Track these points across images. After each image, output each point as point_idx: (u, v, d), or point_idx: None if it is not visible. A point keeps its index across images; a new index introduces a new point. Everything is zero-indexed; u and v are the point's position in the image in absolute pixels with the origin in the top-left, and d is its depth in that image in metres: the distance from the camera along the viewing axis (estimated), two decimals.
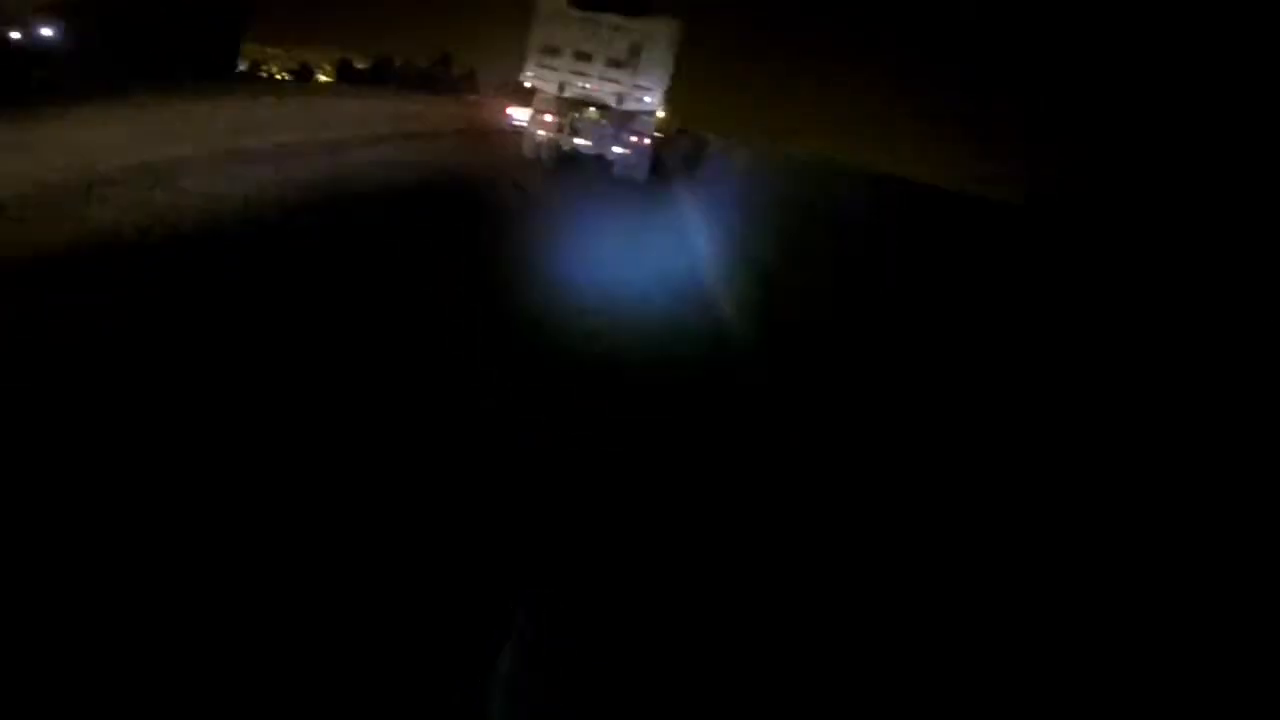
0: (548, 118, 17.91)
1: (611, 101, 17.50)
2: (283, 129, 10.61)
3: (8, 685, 1.75)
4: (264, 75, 37.45)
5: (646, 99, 17.41)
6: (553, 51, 17.49)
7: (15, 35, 16.23)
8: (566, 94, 17.66)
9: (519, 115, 18.76)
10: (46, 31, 17.05)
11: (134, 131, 6.98)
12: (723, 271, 7.71)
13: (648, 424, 3.90)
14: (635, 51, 17.21)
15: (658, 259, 8.37)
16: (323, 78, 43.28)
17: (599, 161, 18.32)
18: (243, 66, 33.15)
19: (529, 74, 17.76)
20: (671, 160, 21.12)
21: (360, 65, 44.60)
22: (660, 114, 17.98)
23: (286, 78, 38.91)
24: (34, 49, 16.01)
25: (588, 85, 17.53)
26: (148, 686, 1.85)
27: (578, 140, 18.10)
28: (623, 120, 17.70)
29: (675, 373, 4.85)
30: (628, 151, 17.85)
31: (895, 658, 2.03)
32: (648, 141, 17.87)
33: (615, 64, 17.34)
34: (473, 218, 9.34)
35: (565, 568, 2.53)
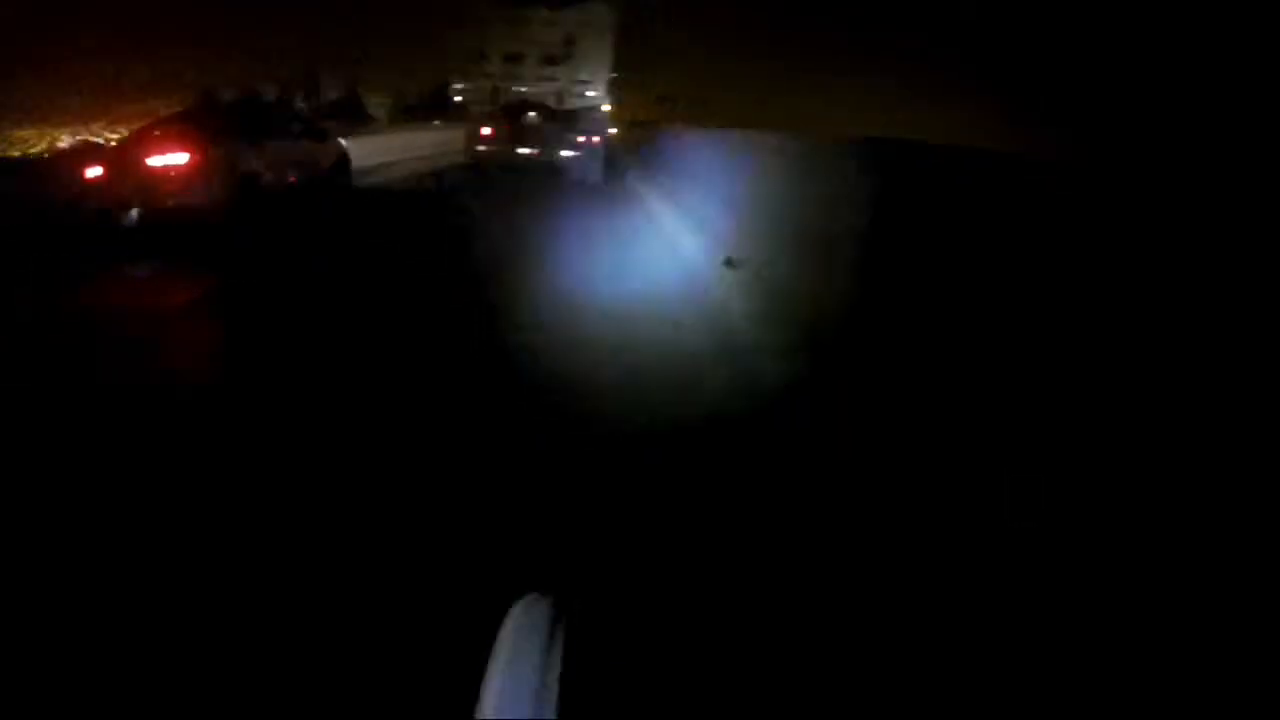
0: (485, 130, 16.36)
1: (552, 101, 16.01)
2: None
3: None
4: None
5: (589, 94, 15.95)
6: (481, 57, 16.03)
7: None
8: (503, 101, 16.17)
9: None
10: None
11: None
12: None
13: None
14: (570, 41, 15.78)
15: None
16: None
17: (549, 168, 16.78)
18: None
19: (457, 86, 16.27)
20: (627, 157, 19.59)
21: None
22: (607, 108, 16.50)
23: None
24: None
25: (524, 88, 16.06)
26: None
27: (521, 149, 16.55)
28: (567, 120, 16.20)
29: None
30: (578, 154, 16.31)
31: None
32: (598, 140, 16.35)
33: (550, 60, 15.90)
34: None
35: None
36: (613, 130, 16.77)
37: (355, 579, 2.29)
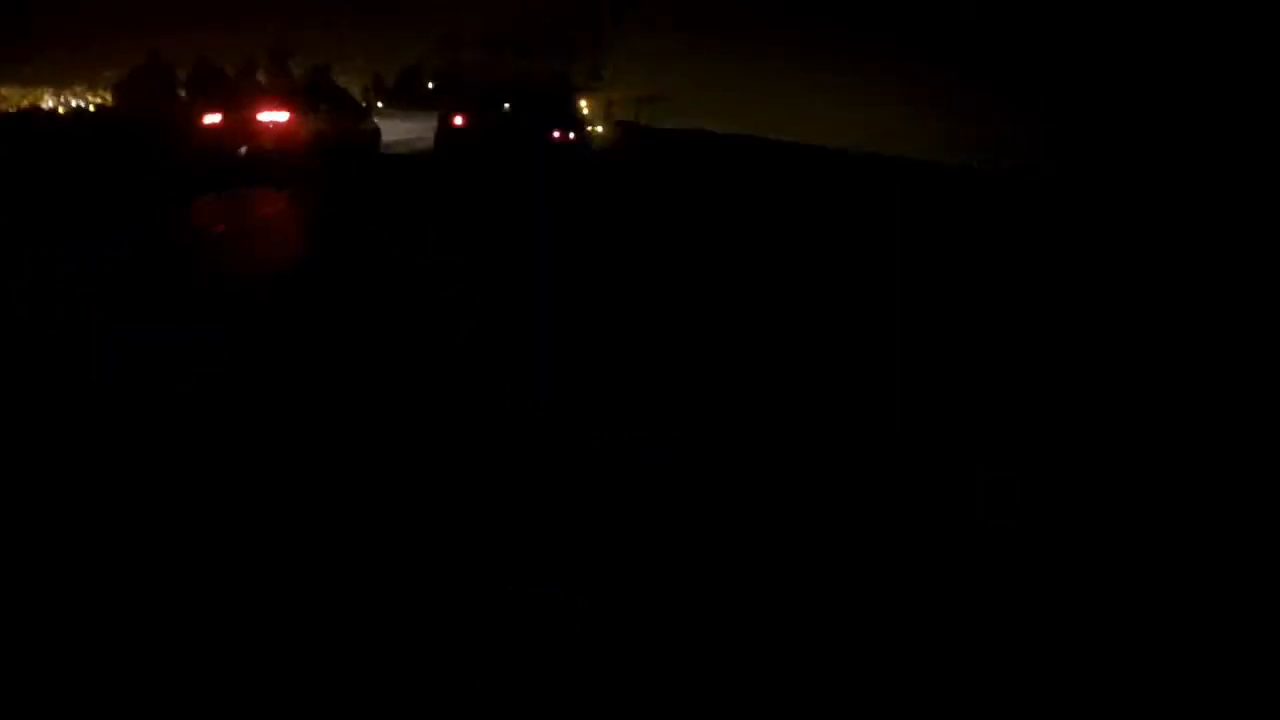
0: (457, 119, 15.89)
1: (529, 95, 15.80)
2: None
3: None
4: None
5: (571, 88, 15.86)
6: (456, 44, 15.59)
7: None
8: (478, 90, 15.77)
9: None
10: None
11: None
12: None
13: None
14: (550, 31, 15.66)
15: None
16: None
17: (524, 163, 16.50)
18: None
19: (433, 73, 15.73)
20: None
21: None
22: (585, 103, 16.44)
23: None
24: None
25: (501, 78, 15.73)
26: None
27: (495, 142, 16.18)
28: (545, 114, 16.01)
29: None
30: (555, 148, 16.15)
31: None
32: (574, 135, 16.26)
33: (528, 49, 15.69)
34: None
35: None
36: (598, 128, 16.74)
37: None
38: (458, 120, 15.79)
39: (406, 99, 15.65)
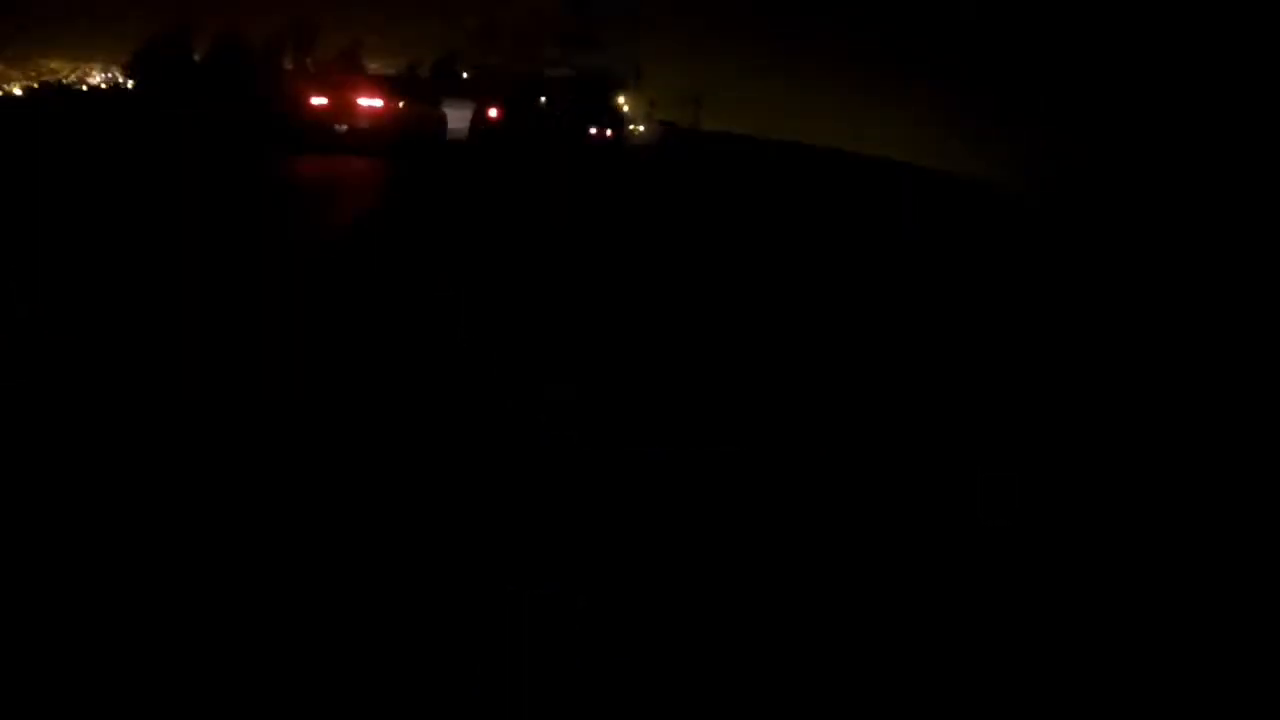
0: (492, 112, 15.40)
1: (567, 88, 15.12)
2: None
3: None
4: None
5: (607, 83, 15.08)
6: (494, 35, 15.04)
7: None
8: (515, 83, 15.22)
9: None
10: None
11: None
12: None
13: None
14: (592, 28, 14.89)
15: None
16: None
17: (556, 157, 15.90)
18: None
19: (473, 64, 15.26)
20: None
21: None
22: (623, 99, 15.65)
23: None
24: None
25: (537, 71, 15.12)
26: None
27: (529, 135, 15.62)
28: (581, 109, 15.31)
29: None
30: (590, 144, 15.46)
31: None
32: (611, 133, 15.52)
33: (569, 44, 14.98)
34: None
35: None
36: (638, 127, 15.93)
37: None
38: (493, 113, 15.28)
39: (443, 89, 15.29)
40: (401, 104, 13.75)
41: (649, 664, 1.91)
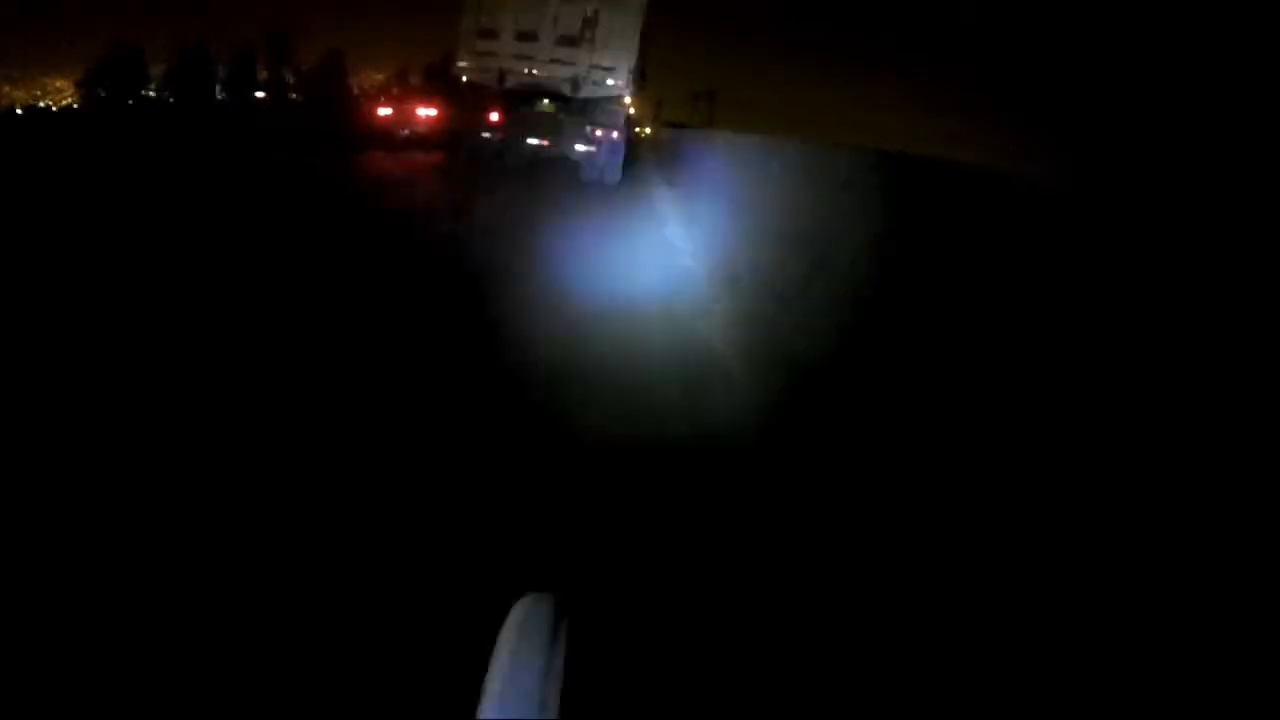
0: (492, 115, 14.55)
1: (566, 89, 14.16)
2: None
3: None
4: None
5: (610, 82, 14.09)
6: (489, 34, 14.17)
7: None
8: (510, 84, 14.31)
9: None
10: None
11: None
12: None
13: None
14: (590, 24, 13.91)
15: None
16: None
17: (562, 164, 14.97)
18: None
19: (462, 64, 14.42)
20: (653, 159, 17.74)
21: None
22: (628, 99, 14.64)
23: None
24: None
25: (535, 71, 14.20)
26: None
27: (531, 140, 14.73)
28: (583, 111, 14.35)
29: None
30: (594, 149, 14.50)
31: None
32: (617, 135, 14.53)
33: (568, 41, 14.04)
34: None
35: None
36: (642, 130, 14.92)
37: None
38: (493, 117, 14.46)
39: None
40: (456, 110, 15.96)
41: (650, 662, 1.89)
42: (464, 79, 14.63)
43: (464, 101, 14.75)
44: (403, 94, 16.89)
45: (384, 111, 15.85)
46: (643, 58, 14.56)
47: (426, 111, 15.73)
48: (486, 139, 14.73)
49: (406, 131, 15.78)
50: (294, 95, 23.90)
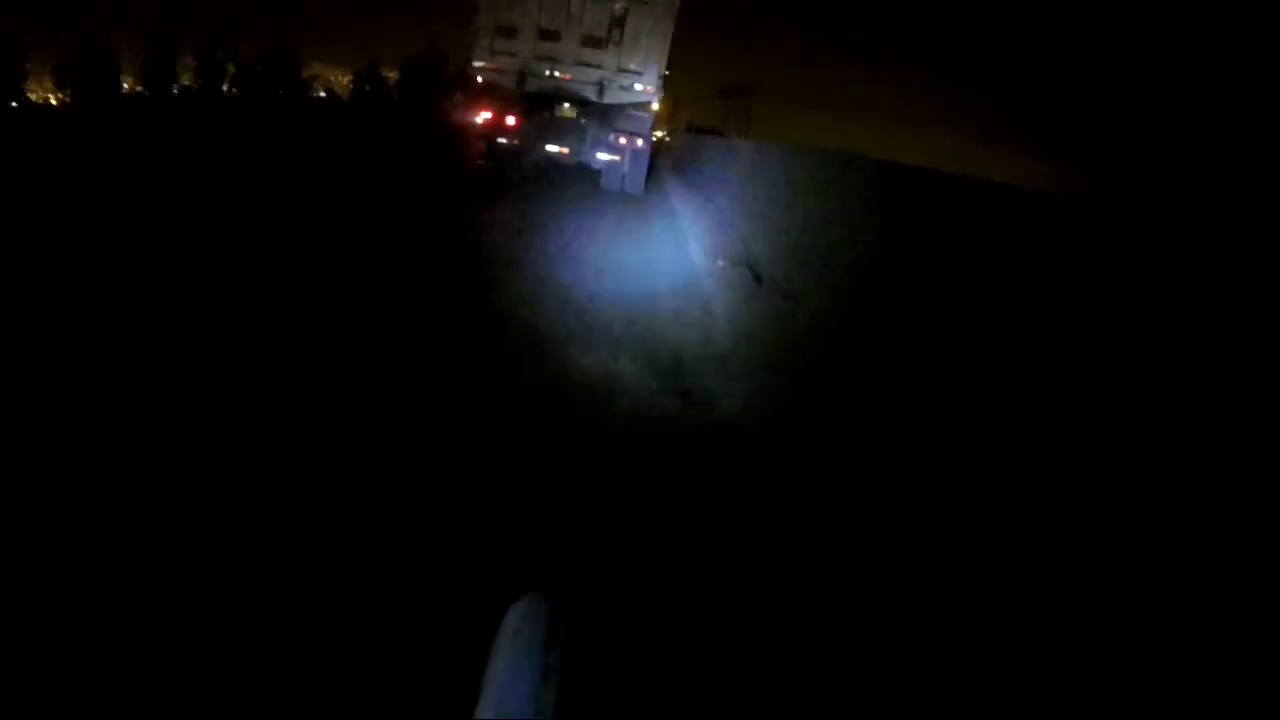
0: (509, 120, 13.56)
1: (592, 93, 13.21)
2: None
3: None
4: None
5: (638, 86, 13.17)
6: (508, 32, 13.18)
7: None
8: (530, 87, 13.33)
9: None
10: None
11: None
12: None
13: None
14: (619, 24, 12.97)
15: None
16: None
17: (581, 172, 14.01)
18: None
19: (478, 64, 13.41)
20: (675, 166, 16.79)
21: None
22: (656, 105, 13.73)
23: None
24: None
25: (557, 73, 13.24)
26: None
27: (551, 147, 13.76)
28: (607, 116, 13.41)
29: None
30: (617, 157, 13.57)
31: None
32: (643, 143, 13.60)
33: (593, 42, 13.09)
34: None
35: None
36: (660, 134, 13.98)
37: None
38: (509, 121, 13.47)
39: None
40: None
41: (646, 663, 1.92)
42: (479, 80, 13.59)
43: (479, 104, 13.72)
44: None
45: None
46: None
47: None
48: (502, 145, 13.73)
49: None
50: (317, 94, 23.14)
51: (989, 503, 2.49)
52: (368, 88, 26.06)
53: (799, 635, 2.13)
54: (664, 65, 13.14)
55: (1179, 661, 1.74)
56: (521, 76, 13.20)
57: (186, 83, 21.47)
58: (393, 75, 27.97)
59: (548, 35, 13.09)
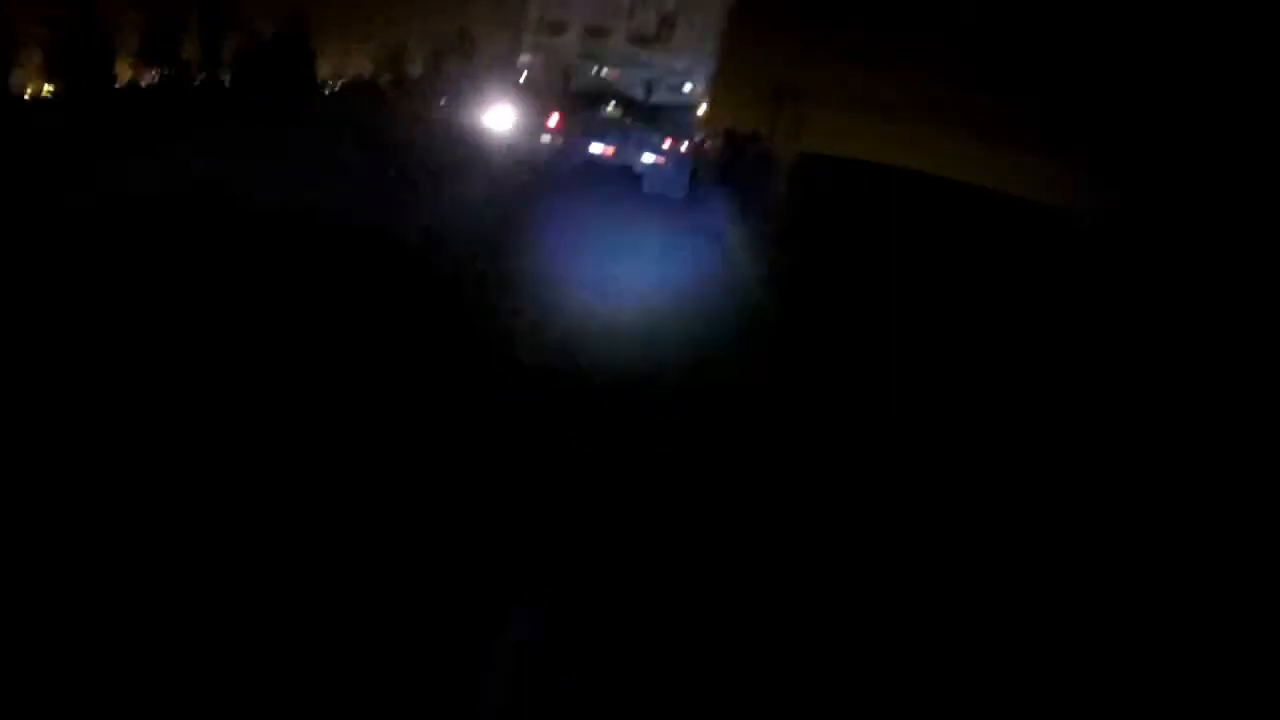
0: (550, 119, 13.24)
1: (639, 93, 12.90)
2: None
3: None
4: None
5: (687, 87, 12.86)
6: (556, 28, 12.87)
7: None
8: (577, 84, 13.02)
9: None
10: None
11: None
12: None
13: None
14: (669, 22, 12.67)
15: None
16: None
17: (622, 174, 13.72)
18: None
19: (524, 59, 13.10)
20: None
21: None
22: (703, 108, 13.44)
23: None
24: None
25: (604, 72, 12.93)
26: None
27: (595, 148, 13.45)
28: (653, 118, 13.11)
29: None
30: (662, 160, 13.25)
31: None
32: (687, 146, 13.30)
33: (642, 41, 12.79)
34: None
35: None
36: (700, 138, 13.68)
37: None
38: (551, 121, 13.16)
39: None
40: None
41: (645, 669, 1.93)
42: (522, 77, 13.29)
43: (520, 102, 13.41)
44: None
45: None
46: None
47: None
48: (543, 145, 13.42)
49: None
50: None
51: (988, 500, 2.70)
52: (389, 80, 25.18)
53: (799, 635, 2.15)
54: (714, 66, 12.85)
55: (1179, 660, 1.80)
56: (568, 74, 12.88)
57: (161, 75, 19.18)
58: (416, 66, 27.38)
59: (596, 32, 12.78)
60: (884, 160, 14.79)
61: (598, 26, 12.76)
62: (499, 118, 13.98)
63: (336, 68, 26.44)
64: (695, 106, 13.21)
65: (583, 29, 12.76)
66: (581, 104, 13.19)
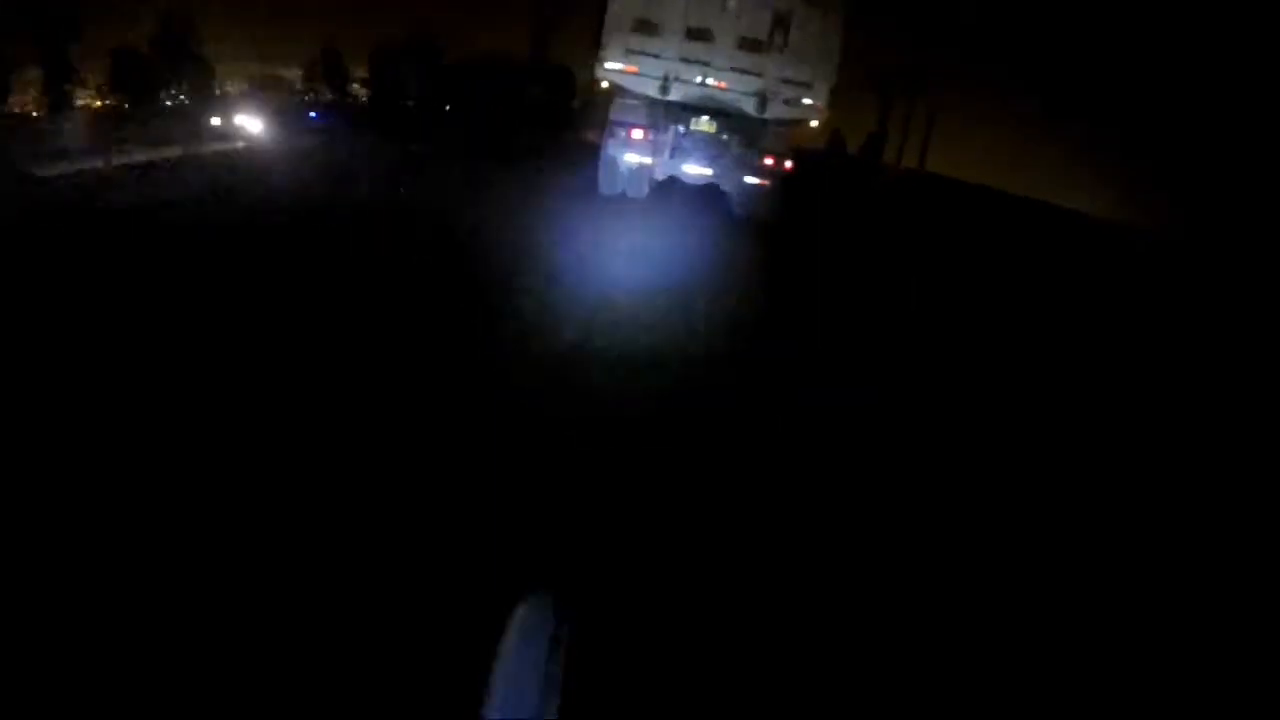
0: (636, 133, 11.25)
1: (750, 106, 11.02)
2: None
3: None
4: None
5: (806, 100, 11.07)
6: (649, 28, 10.85)
7: None
8: (674, 96, 11.04)
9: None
10: None
11: None
12: None
13: None
14: (783, 25, 10.83)
15: None
16: None
17: (709, 193, 11.88)
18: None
19: (610, 66, 11.03)
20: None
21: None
22: (815, 123, 11.68)
23: None
24: None
25: (709, 80, 11.00)
26: None
27: (686, 167, 11.53)
28: (756, 135, 11.28)
29: None
30: (764, 182, 11.46)
31: None
32: (790, 165, 11.56)
33: (752, 46, 10.92)
34: None
35: None
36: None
37: None
38: (636, 134, 11.19)
39: None
40: None
41: (650, 663, 1.93)
42: (605, 84, 11.24)
43: (602, 114, 11.39)
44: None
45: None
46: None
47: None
48: (630, 163, 11.45)
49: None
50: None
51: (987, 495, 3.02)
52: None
53: (797, 635, 2.15)
54: (834, 76, 11.10)
55: (1178, 659, 1.86)
56: (665, 83, 10.90)
57: None
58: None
59: (697, 35, 10.83)
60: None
61: (700, 29, 10.82)
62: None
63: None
64: (807, 122, 11.46)
65: (683, 31, 10.79)
66: (674, 118, 11.26)
